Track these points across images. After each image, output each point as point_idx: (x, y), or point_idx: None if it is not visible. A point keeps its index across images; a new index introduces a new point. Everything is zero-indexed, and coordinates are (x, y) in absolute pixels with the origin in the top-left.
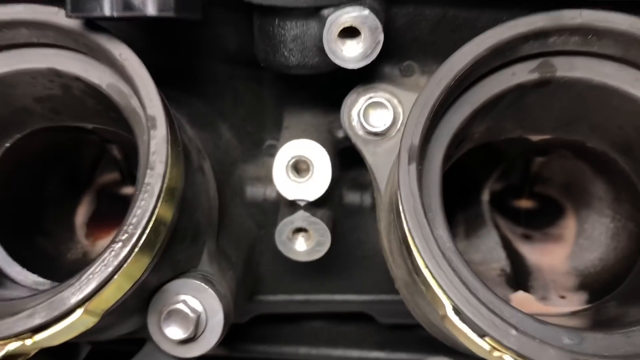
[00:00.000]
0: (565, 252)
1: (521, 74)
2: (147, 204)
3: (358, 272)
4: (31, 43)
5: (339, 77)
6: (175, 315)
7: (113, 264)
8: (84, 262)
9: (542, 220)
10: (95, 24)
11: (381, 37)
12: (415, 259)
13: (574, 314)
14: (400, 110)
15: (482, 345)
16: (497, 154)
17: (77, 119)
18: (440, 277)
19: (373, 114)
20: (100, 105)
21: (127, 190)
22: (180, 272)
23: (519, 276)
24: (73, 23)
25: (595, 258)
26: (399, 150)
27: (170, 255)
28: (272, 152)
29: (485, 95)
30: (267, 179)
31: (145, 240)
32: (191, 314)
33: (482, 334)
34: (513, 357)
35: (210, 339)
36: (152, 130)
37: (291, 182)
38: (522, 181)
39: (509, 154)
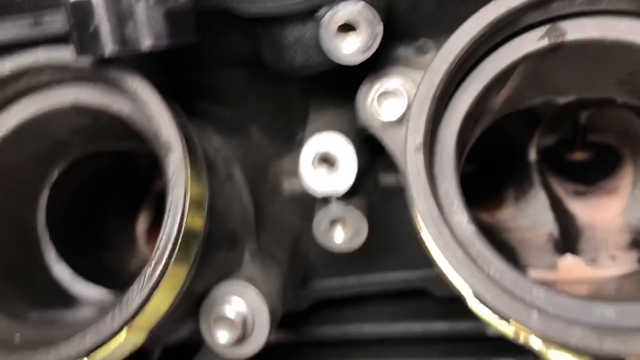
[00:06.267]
0: (620, 206)
1: (529, 43)
2: (173, 223)
3: (406, 248)
4: (56, 80)
5: (357, 66)
6: (223, 321)
7: (150, 283)
8: None
9: (597, 173)
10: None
11: (380, 29)
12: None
13: (624, 277)
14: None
15: (508, 329)
16: (534, 116)
17: (113, 143)
18: (457, 269)
19: (386, 103)
20: (129, 130)
21: None
22: (224, 276)
23: (568, 239)
24: (85, 61)
25: None
26: (406, 148)
27: (210, 263)
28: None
29: (493, 71)
30: None
31: (177, 255)
32: (238, 317)
33: (505, 318)
34: (540, 339)
35: (259, 337)
36: (169, 154)
37: (318, 178)
38: (573, 133)
39: (545, 115)
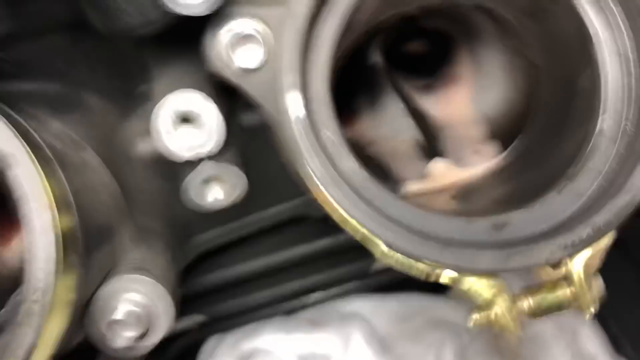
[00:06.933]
0: (467, 96)
1: None
2: (46, 235)
3: (278, 184)
4: None
5: None
6: (124, 323)
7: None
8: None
9: (438, 63)
10: None
11: None
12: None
13: (493, 173)
14: (271, 39)
15: (423, 268)
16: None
17: None
18: (370, 227)
19: (241, 50)
20: None
21: None
22: (111, 269)
23: (432, 141)
24: None
25: (498, 98)
26: (287, 112)
27: (95, 262)
28: (148, 96)
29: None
30: None
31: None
32: (140, 312)
33: (418, 259)
34: (453, 270)
35: (165, 321)
36: (14, 167)
37: (182, 140)
38: (405, 22)
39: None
